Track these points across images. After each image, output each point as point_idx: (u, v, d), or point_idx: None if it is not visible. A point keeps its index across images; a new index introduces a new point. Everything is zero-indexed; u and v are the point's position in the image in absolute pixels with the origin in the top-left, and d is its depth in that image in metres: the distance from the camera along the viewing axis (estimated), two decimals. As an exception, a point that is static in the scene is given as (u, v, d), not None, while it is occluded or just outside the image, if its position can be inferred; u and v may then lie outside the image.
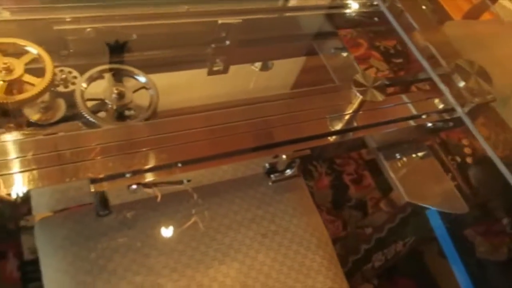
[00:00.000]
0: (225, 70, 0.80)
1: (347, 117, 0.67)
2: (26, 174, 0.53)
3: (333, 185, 1.38)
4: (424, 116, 0.69)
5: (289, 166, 0.65)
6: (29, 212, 1.08)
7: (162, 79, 0.67)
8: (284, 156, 0.61)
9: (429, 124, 0.69)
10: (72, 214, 0.68)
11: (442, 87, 0.68)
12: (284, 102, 0.73)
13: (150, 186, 0.54)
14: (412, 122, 0.68)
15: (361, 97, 0.63)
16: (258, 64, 0.87)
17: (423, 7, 0.79)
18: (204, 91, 0.80)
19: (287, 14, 0.81)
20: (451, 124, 0.70)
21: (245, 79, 0.87)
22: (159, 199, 0.58)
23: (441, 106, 0.71)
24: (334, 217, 1.31)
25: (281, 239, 0.73)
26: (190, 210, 0.72)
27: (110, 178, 0.52)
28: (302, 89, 0.76)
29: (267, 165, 0.66)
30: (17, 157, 0.53)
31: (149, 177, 0.53)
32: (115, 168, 0.52)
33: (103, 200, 0.55)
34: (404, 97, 0.71)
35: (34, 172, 0.53)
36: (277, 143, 0.63)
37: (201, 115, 0.63)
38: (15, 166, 0.52)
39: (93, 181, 0.52)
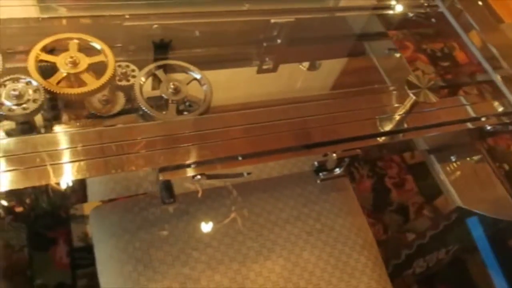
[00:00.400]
0: (274, 69, 0.81)
1: (398, 118, 0.67)
2: (82, 163, 0.55)
3: (374, 188, 1.36)
4: (483, 119, 0.67)
5: (338, 165, 0.65)
6: (78, 201, 1.13)
7: (213, 76, 0.68)
8: (334, 155, 0.61)
9: (488, 127, 0.67)
10: (124, 204, 0.71)
11: (504, 89, 0.66)
12: (334, 101, 0.73)
13: (213, 178, 0.55)
14: (469, 125, 0.66)
15: (414, 98, 0.62)
16: (305, 64, 0.88)
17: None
18: (253, 89, 0.81)
19: (338, 14, 0.81)
20: (511, 127, 0.68)
21: (293, 78, 0.88)
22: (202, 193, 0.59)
23: (500, 109, 0.69)
24: (374, 220, 1.29)
25: (326, 238, 0.73)
26: (237, 205, 0.73)
27: (175, 168, 0.54)
28: (352, 89, 0.76)
29: (316, 163, 0.66)
30: (76, 147, 0.56)
31: (211, 169, 0.55)
32: (178, 159, 0.53)
33: (168, 189, 0.57)
34: (461, 99, 0.69)
35: (91, 161, 0.55)
36: (327, 141, 0.63)
37: (252, 112, 0.64)
38: (73, 156, 0.55)
39: (162, 169, 0.54)
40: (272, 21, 0.74)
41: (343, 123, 0.66)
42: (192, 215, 0.70)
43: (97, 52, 0.62)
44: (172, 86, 0.62)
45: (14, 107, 0.55)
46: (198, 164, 0.54)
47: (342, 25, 0.84)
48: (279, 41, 0.78)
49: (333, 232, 0.74)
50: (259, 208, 0.74)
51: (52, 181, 0.55)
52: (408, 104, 0.65)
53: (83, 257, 1.09)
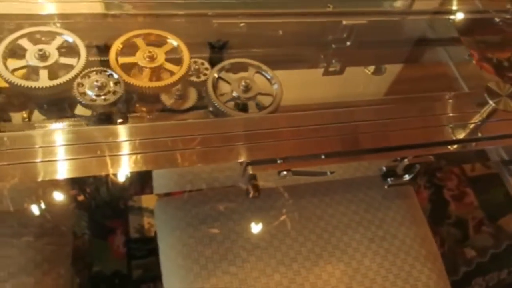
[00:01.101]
0: (340, 71, 0.80)
1: (473, 125, 0.64)
2: (148, 156, 0.57)
3: (432, 199, 1.32)
4: None
5: (407, 171, 0.64)
6: (137, 193, 1.17)
7: (280, 76, 0.68)
8: (406, 160, 0.60)
9: None
10: (189, 198, 0.72)
11: None
12: (403, 106, 0.71)
13: (298, 174, 0.55)
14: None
15: (493, 105, 0.60)
16: (371, 68, 0.86)
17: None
18: (316, 90, 0.81)
19: (411, 17, 0.79)
20: None
21: (356, 82, 0.86)
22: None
23: None
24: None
25: (389, 246, 0.71)
26: (298, 206, 0.73)
27: (263, 162, 0.55)
28: (423, 94, 0.74)
29: (384, 168, 0.65)
30: (150, 139, 0.58)
31: (297, 166, 0.55)
32: (258, 155, 0.54)
33: (254, 184, 0.57)
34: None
35: (159, 154, 0.56)
36: (397, 146, 0.62)
37: (322, 112, 0.64)
38: (146, 147, 0.56)
39: (250, 163, 0.55)
40: (344, 22, 0.73)
41: (413, 128, 0.65)
42: (259, 213, 0.70)
43: (174, 48, 0.64)
44: (243, 84, 0.63)
45: (96, 98, 0.58)
46: (284, 160, 0.54)
47: (414, 29, 0.81)
48: (348, 43, 0.77)
49: (396, 240, 0.72)
50: (321, 210, 0.73)
51: (118, 171, 0.57)
52: (485, 111, 0.62)
53: (139, 248, 1.12)
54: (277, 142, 0.56)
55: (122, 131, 0.56)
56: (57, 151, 0.53)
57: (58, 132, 0.55)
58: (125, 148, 0.55)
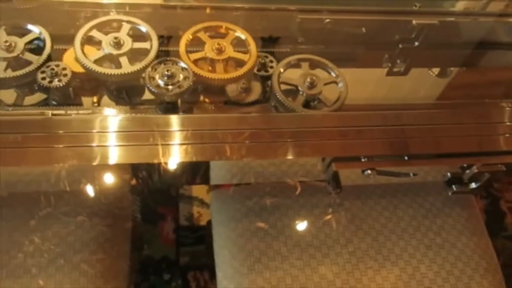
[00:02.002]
0: (404, 72, 0.78)
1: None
2: (207, 146, 0.58)
3: (487, 210, 1.27)
4: None
5: (474, 180, 0.61)
6: (187, 182, 1.19)
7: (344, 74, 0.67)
8: (475, 168, 0.58)
9: None
10: (245, 190, 0.73)
11: None
12: (468, 111, 0.68)
13: (383, 174, 0.55)
14: None
15: None
16: (435, 70, 0.83)
17: None
18: (379, 90, 0.79)
19: (484, 19, 0.76)
20: None
21: (420, 83, 0.84)
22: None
23: None
24: (484, 245, 1.20)
25: (446, 255, 0.69)
26: (354, 207, 0.72)
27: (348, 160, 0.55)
28: (493, 100, 0.71)
29: (449, 174, 0.63)
30: (212, 130, 0.59)
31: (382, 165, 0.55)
32: (341, 152, 0.54)
33: (336, 179, 0.58)
34: None
35: (218, 145, 0.57)
36: (467, 153, 0.60)
37: (389, 113, 0.63)
38: (204, 138, 0.57)
39: (335, 160, 0.55)
40: (414, 22, 0.71)
41: (479, 135, 0.62)
42: (314, 211, 0.70)
43: (242, 42, 0.64)
44: (308, 80, 0.63)
45: (165, 86, 0.59)
46: (368, 158, 0.54)
47: (485, 31, 0.78)
48: (416, 43, 0.74)
49: (455, 249, 0.70)
50: (377, 213, 0.72)
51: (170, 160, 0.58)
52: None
53: (188, 236, 1.14)
54: (351, 141, 0.55)
55: (184, 121, 0.58)
56: (112, 136, 0.55)
57: (116, 118, 0.57)
58: (179, 137, 0.56)
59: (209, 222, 1.14)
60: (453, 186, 0.63)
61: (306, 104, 0.64)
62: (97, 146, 0.55)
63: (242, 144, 0.57)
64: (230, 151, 0.57)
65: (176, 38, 0.66)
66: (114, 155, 0.55)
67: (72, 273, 0.62)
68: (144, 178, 1.04)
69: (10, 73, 0.59)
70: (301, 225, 0.70)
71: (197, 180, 1.16)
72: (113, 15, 0.63)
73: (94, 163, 0.55)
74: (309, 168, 0.75)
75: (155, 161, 0.60)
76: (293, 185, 0.73)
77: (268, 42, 0.72)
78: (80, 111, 0.62)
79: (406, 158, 0.55)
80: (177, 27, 0.68)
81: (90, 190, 0.72)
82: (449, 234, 0.71)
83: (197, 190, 1.20)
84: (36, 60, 0.59)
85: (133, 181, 0.88)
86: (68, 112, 0.61)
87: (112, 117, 0.58)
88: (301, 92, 0.63)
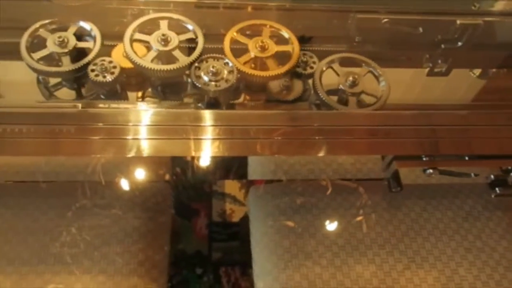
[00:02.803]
0: (446, 73, 0.77)
1: None
2: (249, 142, 0.59)
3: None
4: None
5: (520, 182, 0.60)
6: (221, 177, 1.21)
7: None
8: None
9: None
10: (283, 187, 0.74)
11: None
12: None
13: (445, 173, 0.55)
14: None
15: None
16: (476, 71, 0.82)
17: None
18: (419, 90, 0.78)
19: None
20: None
21: (460, 84, 0.83)
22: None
23: None
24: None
25: (487, 258, 0.68)
26: (393, 207, 0.72)
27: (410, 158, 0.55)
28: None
29: (492, 176, 0.62)
30: (252, 126, 0.60)
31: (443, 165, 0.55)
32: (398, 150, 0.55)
33: (396, 178, 0.58)
34: None
35: (254, 141, 0.58)
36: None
37: (429, 113, 0.62)
38: (239, 134, 0.58)
39: (396, 158, 0.55)
40: (458, 22, 0.70)
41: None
42: (352, 210, 0.70)
43: (284, 40, 0.65)
44: (350, 79, 0.63)
45: (209, 83, 0.60)
46: (430, 157, 0.54)
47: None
48: (459, 43, 0.74)
49: (495, 253, 0.69)
50: (415, 214, 0.71)
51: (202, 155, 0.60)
52: None
53: (220, 232, 1.16)
54: (390, 140, 0.55)
55: (220, 116, 0.59)
56: (148, 130, 0.57)
57: (153, 112, 0.59)
58: (213, 132, 0.58)
59: (244, 219, 1.16)
60: (497, 189, 0.62)
61: (347, 103, 0.64)
62: (132, 139, 0.57)
63: (278, 140, 0.58)
64: (268, 147, 0.59)
65: (214, 36, 0.67)
66: (149, 148, 0.57)
67: (116, 262, 0.64)
68: (179, 173, 1.06)
69: (62, 68, 0.61)
70: (338, 224, 0.70)
71: (230, 176, 1.18)
72: (160, 13, 0.65)
73: (129, 155, 0.57)
74: (347, 167, 0.75)
75: (189, 155, 0.61)
76: (330, 184, 0.74)
77: (309, 40, 0.72)
78: (121, 105, 0.64)
79: (466, 158, 0.54)
80: (216, 25, 0.70)
81: (132, 183, 0.74)
82: (489, 237, 0.70)
83: (230, 187, 1.22)
84: (87, 56, 0.62)
85: (171, 176, 0.91)
86: (111, 105, 0.64)
87: (149, 111, 0.60)
88: (342, 91, 0.63)
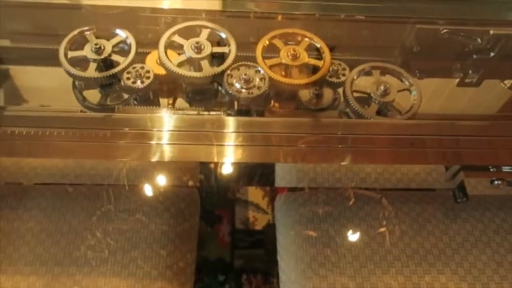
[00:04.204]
0: (476, 84, 0.77)
1: None
2: (273, 148, 0.59)
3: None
4: None
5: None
6: (244, 184, 1.21)
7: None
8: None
9: None
10: (310, 195, 0.74)
11: None
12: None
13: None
14: None
15: None
16: (508, 82, 0.81)
17: None
18: (449, 101, 0.78)
19: None
20: None
21: (490, 95, 0.82)
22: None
23: None
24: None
25: (518, 273, 0.67)
26: (421, 217, 0.71)
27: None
28: None
29: (526, 188, 0.61)
30: (280, 133, 0.60)
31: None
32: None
33: (462, 188, 0.58)
34: None
35: (285, 148, 0.59)
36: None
37: (460, 124, 0.62)
38: (266, 141, 0.59)
39: (463, 168, 0.55)
40: (491, 32, 0.70)
41: None
42: (379, 219, 0.70)
43: (315, 49, 0.65)
44: (382, 88, 0.63)
45: (241, 90, 0.61)
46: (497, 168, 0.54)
47: None
48: (492, 54, 0.73)
49: (527, 268, 0.67)
50: (445, 225, 0.71)
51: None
52: None
53: (243, 239, 1.16)
54: (423, 150, 0.55)
55: (248, 123, 0.61)
56: (172, 135, 0.59)
57: (180, 118, 0.61)
58: (239, 139, 0.59)
59: (267, 227, 1.16)
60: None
61: (378, 112, 0.64)
62: (156, 143, 0.58)
63: (303, 148, 0.59)
64: (292, 154, 0.59)
65: (243, 44, 0.68)
66: (173, 153, 0.58)
67: (144, 265, 0.65)
68: (202, 179, 1.07)
69: (98, 73, 0.63)
70: (366, 233, 0.69)
71: (254, 183, 1.18)
72: (194, 21, 0.66)
73: (152, 160, 0.58)
74: (375, 176, 0.75)
75: (212, 160, 0.62)
76: (355, 194, 0.73)
77: (338, 49, 0.73)
78: (153, 111, 0.65)
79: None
80: (245, 33, 0.71)
81: (161, 188, 0.75)
82: (521, 252, 0.68)
83: (253, 194, 1.22)
84: (123, 62, 0.63)
85: (195, 181, 0.91)
86: (143, 111, 0.65)
87: (176, 117, 0.62)
88: (373, 100, 0.63)
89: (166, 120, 0.61)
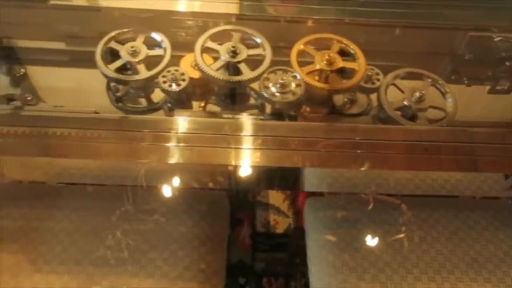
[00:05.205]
0: (508, 91, 0.76)
1: None
2: (305, 153, 0.59)
3: None
4: None
5: None
6: (264, 188, 1.21)
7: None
8: None
9: None
10: (340, 200, 0.74)
11: None
12: None
13: None
14: None
15: None
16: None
17: None
18: (480, 108, 0.77)
19: None
20: None
21: None
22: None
23: None
24: None
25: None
26: (453, 226, 0.71)
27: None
28: None
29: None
30: (316, 138, 0.60)
31: None
32: None
33: None
34: None
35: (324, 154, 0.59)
36: None
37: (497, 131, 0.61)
38: (291, 145, 0.59)
39: None
40: (526, 39, 0.70)
41: None
42: (411, 226, 0.70)
43: (350, 54, 0.65)
44: (417, 94, 0.63)
45: (276, 94, 0.61)
46: None
47: None
48: (524, 61, 0.73)
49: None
50: (476, 233, 0.70)
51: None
52: None
53: (264, 242, 1.16)
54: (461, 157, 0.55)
55: (280, 127, 0.61)
56: (196, 138, 0.59)
57: (197, 121, 0.61)
58: (261, 143, 0.59)
59: (290, 230, 1.16)
60: None
61: (412, 118, 0.64)
62: (175, 146, 0.59)
63: (334, 153, 0.59)
64: (323, 158, 0.59)
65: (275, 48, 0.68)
66: (189, 155, 0.58)
67: (176, 267, 0.65)
68: (227, 181, 1.07)
69: (133, 76, 0.64)
70: (397, 241, 0.69)
71: (276, 186, 1.18)
72: (228, 25, 0.67)
73: (171, 162, 0.58)
74: (403, 182, 0.75)
75: (235, 164, 0.62)
76: (389, 200, 0.73)
77: (371, 55, 0.73)
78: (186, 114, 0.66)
79: None
80: (277, 38, 0.72)
81: (191, 190, 0.76)
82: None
83: (274, 198, 1.22)
84: (158, 65, 0.64)
85: (210, 184, 0.92)
86: (175, 114, 0.66)
87: (203, 120, 0.63)
88: (408, 106, 0.63)
89: (191, 123, 0.61)
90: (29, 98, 0.60)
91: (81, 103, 0.68)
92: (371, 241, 0.69)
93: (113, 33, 0.65)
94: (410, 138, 0.60)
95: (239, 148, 0.59)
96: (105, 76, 0.63)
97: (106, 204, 0.71)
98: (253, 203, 1.22)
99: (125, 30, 0.66)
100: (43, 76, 0.71)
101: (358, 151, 0.59)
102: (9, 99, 0.60)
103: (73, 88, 0.69)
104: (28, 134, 0.54)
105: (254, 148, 0.60)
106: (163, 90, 0.63)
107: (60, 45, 0.73)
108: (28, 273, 0.63)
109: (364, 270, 0.66)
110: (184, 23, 0.77)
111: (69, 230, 0.68)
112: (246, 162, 0.60)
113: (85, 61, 0.68)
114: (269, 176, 1.14)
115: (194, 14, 0.78)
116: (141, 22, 0.75)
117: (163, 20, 0.77)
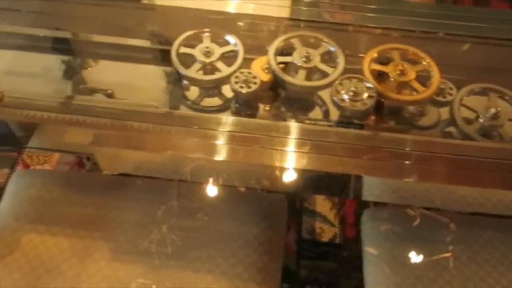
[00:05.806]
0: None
1: None
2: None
3: None
4: None
5: None
6: (315, 193, 1.21)
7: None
8: None
9: None
10: (400, 211, 0.73)
11: None
12: None
13: None
14: None
15: None
16: None
17: None
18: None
19: None
20: None
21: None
22: None
23: None
24: None
25: None
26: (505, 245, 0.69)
27: None
28: None
29: None
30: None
31: None
32: None
33: None
34: None
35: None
36: None
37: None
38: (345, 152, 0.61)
39: None
40: None
41: None
42: (468, 243, 0.68)
43: (425, 65, 0.65)
44: (492, 110, 0.61)
45: (347, 101, 0.61)
46: None
47: None
48: None
49: None
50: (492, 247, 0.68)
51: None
52: None
53: (309, 250, 1.16)
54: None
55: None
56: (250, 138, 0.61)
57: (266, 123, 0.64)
58: (308, 147, 0.60)
59: (336, 239, 1.15)
60: None
61: (484, 134, 0.62)
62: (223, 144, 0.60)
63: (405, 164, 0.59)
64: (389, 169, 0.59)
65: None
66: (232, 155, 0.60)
67: (235, 266, 0.66)
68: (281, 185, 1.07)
69: (205, 76, 0.65)
70: (459, 257, 0.68)
71: (325, 193, 1.18)
72: (303, 31, 0.67)
73: (217, 159, 0.60)
74: (470, 199, 0.73)
75: (281, 165, 0.63)
76: (450, 215, 0.72)
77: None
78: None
79: None
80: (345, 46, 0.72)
81: (252, 191, 0.77)
82: None
83: (321, 206, 1.22)
84: (231, 67, 0.65)
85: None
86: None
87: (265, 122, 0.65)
88: (481, 121, 0.62)
89: (250, 124, 0.63)
90: (109, 92, 0.63)
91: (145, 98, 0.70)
92: (429, 257, 0.67)
93: (188, 33, 0.67)
94: (483, 155, 0.60)
95: (291, 152, 0.61)
96: (184, 76, 0.65)
97: (168, 198, 0.73)
98: (300, 209, 1.22)
99: (199, 30, 0.68)
100: (116, 71, 0.74)
101: (407, 161, 0.59)
102: (92, 91, 0.62)
103: (139, 84, 0.71)
104: (109, 126, 0.57)
105: (303, 152, 0.61)
106: (234, 91, 0.65)
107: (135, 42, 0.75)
108: (94, 259, 0.66)
109: (423, 286, 0.65)
110: (253, 26, 0.79)
111: (132, 221, 0.70)
112: (295, 165, 0.61)
113: (157, 59, 0.71)
114: (320, 183, 1.14)
115: (231, 15, 0.79)
116: (207, 23, 0.76)
117: (229, 21, 0.79)
